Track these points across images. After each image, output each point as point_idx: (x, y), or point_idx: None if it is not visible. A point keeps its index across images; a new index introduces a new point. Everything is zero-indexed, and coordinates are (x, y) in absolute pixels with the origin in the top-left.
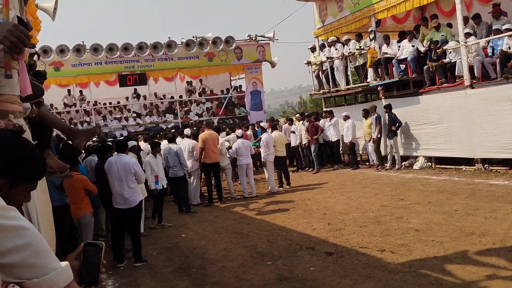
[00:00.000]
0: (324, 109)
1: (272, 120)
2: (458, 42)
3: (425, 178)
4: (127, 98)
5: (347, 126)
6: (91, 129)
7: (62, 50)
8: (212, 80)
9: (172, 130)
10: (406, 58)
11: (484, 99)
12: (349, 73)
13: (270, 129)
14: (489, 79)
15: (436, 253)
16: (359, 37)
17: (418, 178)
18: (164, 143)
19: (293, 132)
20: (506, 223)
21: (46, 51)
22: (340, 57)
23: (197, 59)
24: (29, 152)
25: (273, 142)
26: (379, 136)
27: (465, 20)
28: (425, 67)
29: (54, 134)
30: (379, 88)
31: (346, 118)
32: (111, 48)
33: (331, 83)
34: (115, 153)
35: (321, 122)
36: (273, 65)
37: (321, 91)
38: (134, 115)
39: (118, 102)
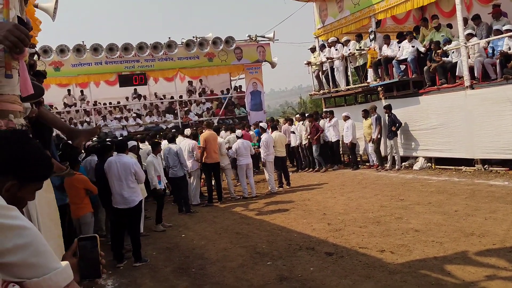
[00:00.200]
0: (324, 109)
1: (272, 121)
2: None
3: (425, 179)
4: (127, 98)
5: (347, 127)
6: (91, 129)
7: (62, 50)
8: (212, 80)
9: (173, 130)
10: (406, 59)
11: (484, 99)
12: (349, 73)
13: (270, 129)
14: (489, 79)
15: (436, 254)
16: (359, 38)
17: (418, 178)
18: (164, 143)
19: (293, 132)
20: (506, 224)
21: (46, 51)
22: (340, 58)
23: (197, 59)
24: (38, 152)
25: (273, 143)
26: (379, 136)
27: (465, 21)
28: (425, 67)
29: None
30: (379, 88)
31: (346, 118)
32: (111, 48)
33: (331, 83)
34: (115, 153)
35: (321, 123)
36: (273, 65)
37: (321, 92)
38: (134, 115)
39: (118, 102)
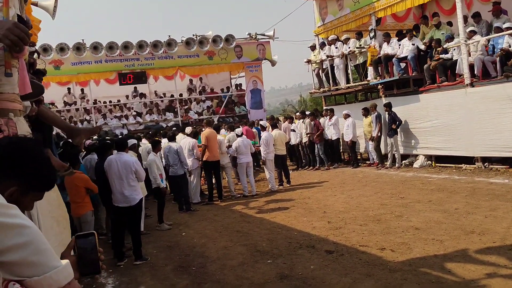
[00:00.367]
0: (324, 108)
1: (272, 119)
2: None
3: (425, 177)
4: (127, 97)
5: (347, 125)
6: (91, 128)
7: (62, 48)
8: (212, 79)
9: (173, 129)
10: (406, 57)
11: (484, 97)
12: (349, 71)
13: (270, 127)
14: (489, 77)
15: (436, 252)
16: (359, 36)
17: (418, 176)
18: (164, 142)
19: (293, 130)
20: (506, 222)
21: (46, 49)
22: (340, 56)
23: (197, 57)
24: (45, 164)
25: (273, 141)
26: (379, 134)
27: (465, 19)
28: (425, 65)
29: (54, 132)
30: (379, 86)
31: (347, 116)
32: (111, 47)
33: (331, 81)
34: (115, 151)
35: (321, 121)
36: (273, 63)
37: (321, 90)
38: (134, 113)
39: (118, 101)
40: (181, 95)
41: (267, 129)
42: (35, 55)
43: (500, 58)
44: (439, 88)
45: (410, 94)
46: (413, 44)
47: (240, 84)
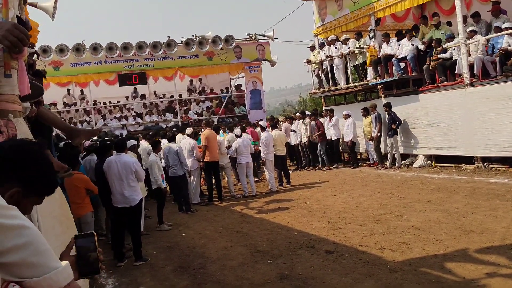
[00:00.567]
0: (324, 108)
1: (272, 119)
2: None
3: (425, 177)
4: (126, 98)
5: (348, 125)
6: (91, 130)
7: (61, 49)
8: (211, 79)
9: (174, 129)
10: (406, 57)
11: (484, 97)
12: (348, 71)
13: (270, 128)
14: (489, 77)
15: (436, 251)
16: (358, 36)
17: (418, 176)
18: (163, 142)
19: (294, 130)
20: (506, 221)
21: (45, 50)
22: (340, 56)
23: (197, 58)
24: (49, 169)
25: (273, 141)
26: (379, 134)
27: (464, 18)
28: (425, 65)
29: (54, 133)
30: (378, 86)
31: (347, 117)
32: (110, 48)
33: (330, 81)
34: (114, 152)
35: (321, 121)
36: (272, 64)
37: (321, 90)
38: (134, 114)
39: (118, 102)
40: (180, 95)
41: (266, 129)
42: (35, 56)
43: (499, 58)
44: (439, 88)
45: (409, 94)
46: (413, 44)
47: (240, 85)
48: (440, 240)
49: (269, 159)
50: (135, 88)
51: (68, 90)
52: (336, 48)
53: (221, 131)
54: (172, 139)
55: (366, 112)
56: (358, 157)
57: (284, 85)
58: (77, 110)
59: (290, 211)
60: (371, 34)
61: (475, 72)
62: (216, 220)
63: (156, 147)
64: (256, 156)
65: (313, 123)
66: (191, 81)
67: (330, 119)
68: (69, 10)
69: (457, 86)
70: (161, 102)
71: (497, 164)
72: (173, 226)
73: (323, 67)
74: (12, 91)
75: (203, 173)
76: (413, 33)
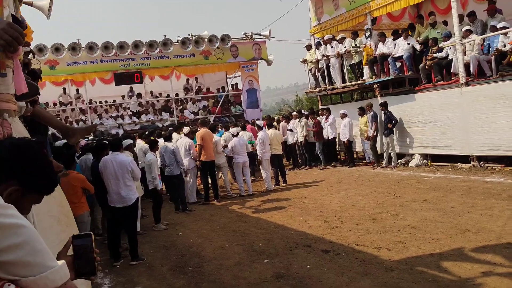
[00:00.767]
0: (321, 107)
1: (269, 118)
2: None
3: (421, 176)
4: (123, 97)
5: (344, 124)
6: (87, 127)
7: (57, 48)
8: (208, 78)
9: (170, 128)
10: (402, 56)
11: (480, 96)
12: (345, 71)
13: (266, 127)
14: (484, 76)
15: (432, 250)
16: (355, 35)
17: (414, 175)
18: (160, 142)
19: (291, 130)
20: (502, 220)
21: (41, 49)
22: (336, 55)
23: (193, 57)
24: (48, 168)
25: (269, 140)
26: (375, 133)
27: (460, 18)
28: (421, 65)
29: (49, 132)
30: (375, 85)
31: (344, 116)
32: (106, 47)
33: (327, 81)
34: (110, 151)
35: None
36: (269, 63)
37: (317, 89)
38: (130, 113)
39: (114, 101)
40: (177, 95)
41: (263, 128)
42: (30, 55)
43: (495, 57)
44: (435, 87)
45: (405, 93)
46: (409, 44)
47: (236, 84)
48: (436, 239)
49: (265, 158)
50: (131, 87)
51: (64, 89)
52: (332, 47)
53: (220, 130)
54: (168, 138)
55: (362, 112)
56: (355, 156)
57: (281, 84)
58: (73, 109)
59: (286, 210)
60: (367, 33)
61: (471, 71)
62: (212, 220)
63: (153, 146)
64: (252, 155)
65: (311, 121)
66: (187, 80)
67: (326, 118)
68: (65, 8)
69: (453, 86)
70: (157, 101)
71: (492, 163)
72: (169, 225)
73: (320, 66)
74: (7, 90)
75: (199, 172)
76: (409, 32)
